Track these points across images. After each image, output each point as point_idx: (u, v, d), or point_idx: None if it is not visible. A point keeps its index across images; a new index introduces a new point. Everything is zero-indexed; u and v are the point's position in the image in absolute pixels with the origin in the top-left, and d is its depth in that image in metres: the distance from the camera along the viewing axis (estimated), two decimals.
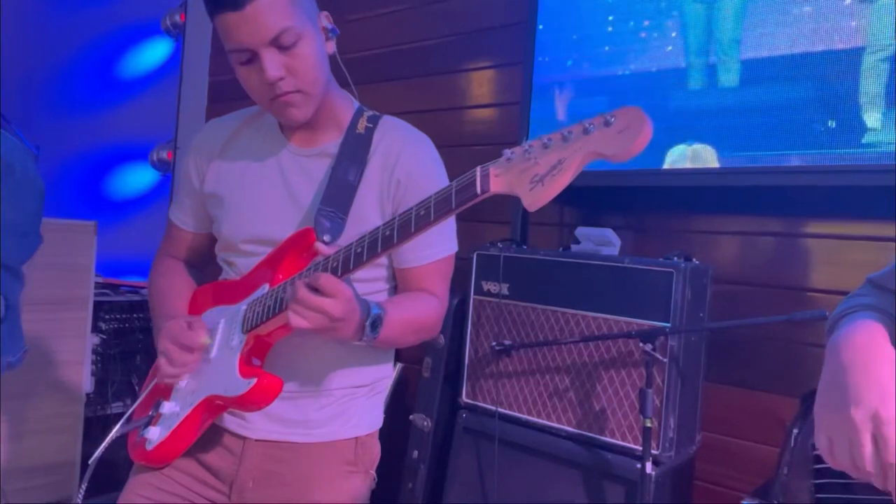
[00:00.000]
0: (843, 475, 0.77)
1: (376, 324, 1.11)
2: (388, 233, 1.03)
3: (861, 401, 0.74)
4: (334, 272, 1.06)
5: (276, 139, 1.30)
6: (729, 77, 1.92)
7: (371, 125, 1.28)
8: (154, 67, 3.93)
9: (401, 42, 2.85)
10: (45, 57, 4.44)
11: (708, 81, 1.95)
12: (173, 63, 3.77)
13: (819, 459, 0.80)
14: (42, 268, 2.56)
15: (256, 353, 1.17)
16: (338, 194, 1.21)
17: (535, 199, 0.91)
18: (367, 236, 1.05)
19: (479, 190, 0.95)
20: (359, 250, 1.05)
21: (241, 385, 1.13)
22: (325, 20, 1.23)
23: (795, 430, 1.42)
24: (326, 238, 1.15)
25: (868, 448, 0.72)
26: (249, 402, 1.13)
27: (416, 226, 1.00)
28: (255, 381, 1.12)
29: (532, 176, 0.91)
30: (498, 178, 0.94)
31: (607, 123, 0.86)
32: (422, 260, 1.27)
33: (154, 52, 3.93)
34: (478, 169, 0.96)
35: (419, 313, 1.24)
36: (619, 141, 0.85)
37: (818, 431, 0.79)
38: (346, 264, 1.05)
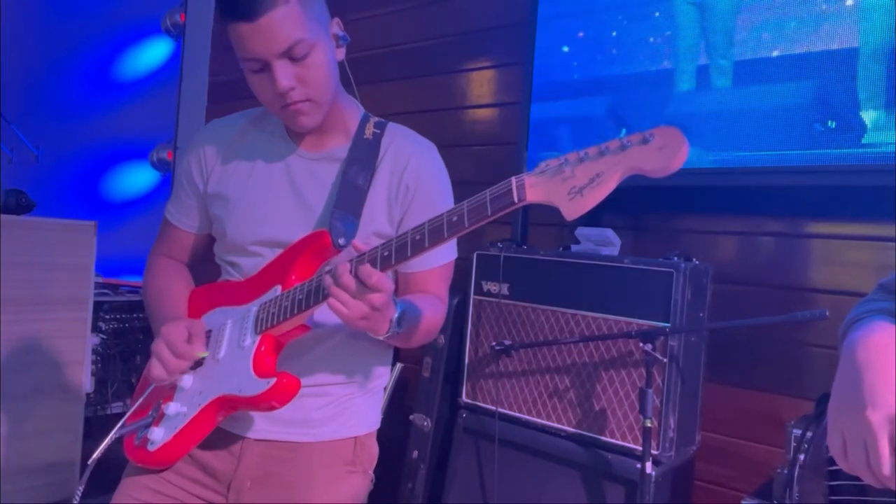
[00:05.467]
0: (858, 477, 0.76)
1: (402, 319, 1.12)
2: (417, 237, 1.04)
3: (878, 402, 0.73)
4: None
5: (283, 142, 1.30)
6: (730, 77, 1.91)
7: (378, 131, 1.29)
8: (154, 67, 3.94)
9: (401, 42, 2.85)
10: (45, 57, 4.45)
11: (709, 82, 1.95)
12: (173, 63, 3.77)
13: (835, 460, 0.80)
14: (42, 268, 2.57)
15: (270, 354, 1.17)
16: (349, 198, 1.22)
17: (574, 208, 0.96)
18: (394, 240, 1.06)
19: (516, 199, 0.97)
20: (386, 253, 1.05)
21: (259, 385, 1.12)
22: (337, 27, 1.23)
23: (808, 432, 1.41)
24: (341, 241, 1.16)
25: (885, 451, 0.72)
26: (266, 402, 1.13)
27: (448, 231, 1.02)
28: (274, 380, 1.12)
29: (570, 187, 0.95)
30: (534, 188, 0.97)
31: (645, 141, 0.91)
32: (427, 264, 1.27)
33: (154, 52, 3.93)
34: (512, 179, 0.98)
35: (431, 314, 1.25)
36: (660, 158, 0.90)
37: (832, 432, 0.79)
38: (373, 265, 1.06)
